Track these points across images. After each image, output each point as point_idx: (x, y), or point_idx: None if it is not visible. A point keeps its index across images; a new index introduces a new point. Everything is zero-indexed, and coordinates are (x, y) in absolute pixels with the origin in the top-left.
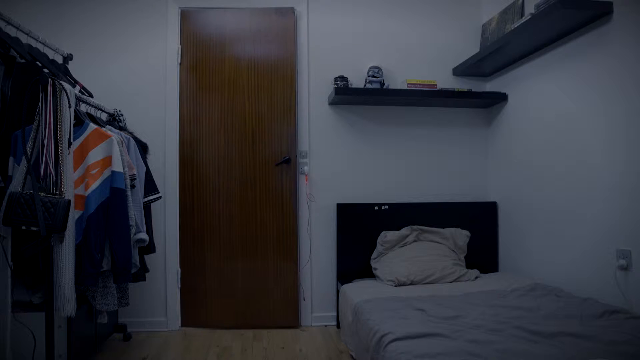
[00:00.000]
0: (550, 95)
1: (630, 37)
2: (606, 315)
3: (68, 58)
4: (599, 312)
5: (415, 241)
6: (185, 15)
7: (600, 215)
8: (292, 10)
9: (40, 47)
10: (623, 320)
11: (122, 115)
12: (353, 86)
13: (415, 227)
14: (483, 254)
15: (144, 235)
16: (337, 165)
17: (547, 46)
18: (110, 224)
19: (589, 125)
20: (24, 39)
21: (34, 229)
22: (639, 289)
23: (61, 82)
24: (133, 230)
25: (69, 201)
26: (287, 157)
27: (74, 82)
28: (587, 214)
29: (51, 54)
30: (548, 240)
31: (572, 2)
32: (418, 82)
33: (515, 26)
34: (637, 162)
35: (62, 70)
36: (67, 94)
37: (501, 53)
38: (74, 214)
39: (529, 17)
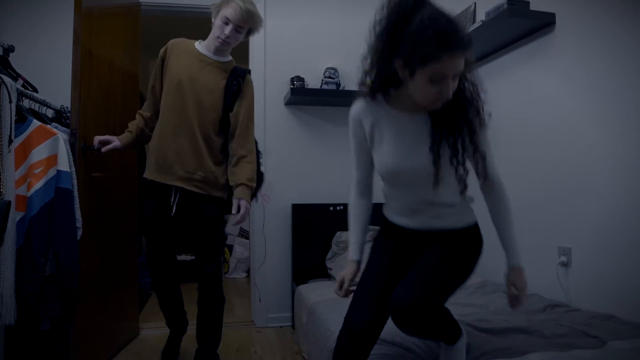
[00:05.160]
0: (495, 100)
1: (571, 46)
2: (548, 310)
3: (9, 50)
4: (542, 307)
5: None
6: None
7: (544, 214)
8: None
9: None
10: (563, 313)
11: (69, 112)
12: (309, 87)
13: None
14: None
15: None
16: (293, 165)
17: (498, 52)
18: (56, 226)
19: (531, 129)
20: None
21: None
22: (577, 284)
23: (0, 75)
24: (79, 232)
25: (9, 202)
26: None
27: (15, 76)
28: (531, 213)
29: None
30: (495, 238)
31: (518, 12)
32: None
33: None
34: (574, 163)
35: (2, 63)
36: (7, 88)
37: None
38: (14, 216)
39: (480, 23)
